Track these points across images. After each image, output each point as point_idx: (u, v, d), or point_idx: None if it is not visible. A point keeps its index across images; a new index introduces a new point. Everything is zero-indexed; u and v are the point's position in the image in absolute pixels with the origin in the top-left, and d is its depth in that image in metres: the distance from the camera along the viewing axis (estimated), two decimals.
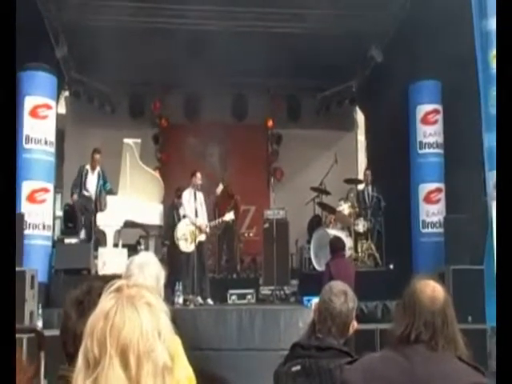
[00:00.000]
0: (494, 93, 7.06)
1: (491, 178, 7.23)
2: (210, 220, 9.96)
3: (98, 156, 10.41)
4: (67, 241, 10.42)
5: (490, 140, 7.29)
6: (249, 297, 9.92)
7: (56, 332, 2.09)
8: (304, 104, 14.91)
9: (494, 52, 7.23)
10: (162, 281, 2.85)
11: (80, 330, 1.48)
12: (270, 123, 14.97)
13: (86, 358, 1.32)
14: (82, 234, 10.12)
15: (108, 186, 10.43)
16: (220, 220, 10.18)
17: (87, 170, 10.38)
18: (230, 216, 10.10)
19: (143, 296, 1.38)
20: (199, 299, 9.30)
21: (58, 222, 12.33)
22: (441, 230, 9.99)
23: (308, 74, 13.39)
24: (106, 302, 1.36)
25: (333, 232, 10.36)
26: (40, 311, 7.86)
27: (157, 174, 11.52)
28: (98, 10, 11.02)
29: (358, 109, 15.27)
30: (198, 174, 9.74)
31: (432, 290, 2.26)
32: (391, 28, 11.63)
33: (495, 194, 6.96)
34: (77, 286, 2.11)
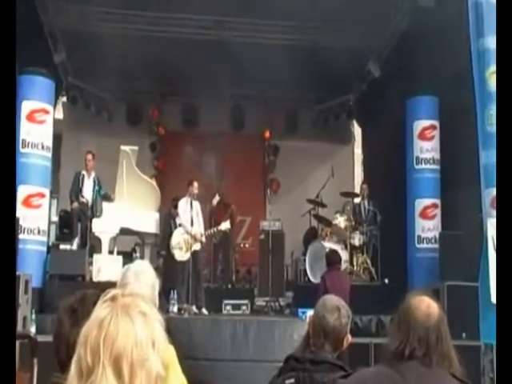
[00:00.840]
0: (491, 111, 7.06)
1: (487, 195, 7.22)
2: (206, 229, 9.96)
3: (89, 156, 10.35)
4: (62, 246, 10.38)
5: (486, 158, 7.28)
6: (243, 307, 9.87)
7: (50, 338, 2.08)
8: (301, 116, 14.93)
9: (490, 70, 7.22)
10: (157, 289, 2.84)
11: (73, 339, 1.47)
12: (267, 134, 14.96)
13: (79, 366, 1.32)
14: (77, 240, 10.07)
15: (103, 192, 10.40)
16: (215, 229, 10.16)
17: (83, 175, 10.34)
18: (225, 225, 10.08)
19: (138, 305, 1.37)
20: (194, 308, 9.27)
21: (53, 227, 12.28)
22: (436, 245, 9.98)
23: (306, 87, 13.42)
24: (101, 310, 1.36)
25: (328, 245, 10.34)
26: (33, 316, 7.80)
27: (153, 182, 11.51)
28: (97, 16, 11.06)
29: (355, 122, 15.30)
30: (195, 183, 9.73)
31: (427, 306, 2.26)
32: (389, 43, 11.69)
33: (491, 211, 6.97)
34: (71, 291, 2.10)
